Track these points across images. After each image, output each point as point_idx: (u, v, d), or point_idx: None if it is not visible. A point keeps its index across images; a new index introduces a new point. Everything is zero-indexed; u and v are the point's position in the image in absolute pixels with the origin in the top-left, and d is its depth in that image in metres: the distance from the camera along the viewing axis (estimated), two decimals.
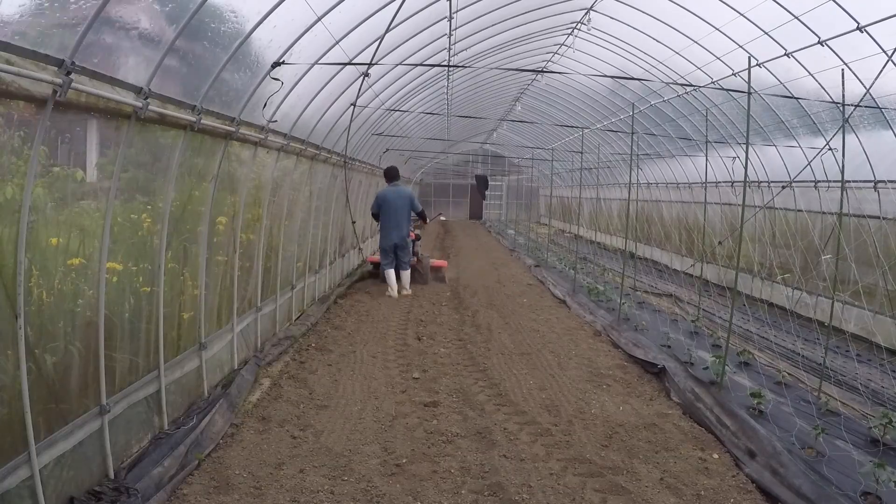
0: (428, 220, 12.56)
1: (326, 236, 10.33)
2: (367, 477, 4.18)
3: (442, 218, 35.63)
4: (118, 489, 3.54)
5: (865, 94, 6.60)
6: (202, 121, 4.52)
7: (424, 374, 6.47)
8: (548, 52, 12.88)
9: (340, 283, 11.60)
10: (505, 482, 4.14)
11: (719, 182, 13.05)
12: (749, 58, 5.96)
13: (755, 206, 10.67)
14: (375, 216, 10.98)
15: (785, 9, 7.22)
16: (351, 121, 9.12)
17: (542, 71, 11.62)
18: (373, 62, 7.38)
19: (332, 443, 4.71)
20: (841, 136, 5.82)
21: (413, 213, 11.02)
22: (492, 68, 11.99)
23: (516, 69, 11.57)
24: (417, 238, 12.13)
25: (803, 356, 7.77)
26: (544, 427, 5.18)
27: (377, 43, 7.20)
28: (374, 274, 12.09)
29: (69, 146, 3.45)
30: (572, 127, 15.99)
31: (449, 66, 10.04)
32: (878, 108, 7.56)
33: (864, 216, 8.84)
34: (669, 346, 7.37)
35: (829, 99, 8.18)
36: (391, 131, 13.61)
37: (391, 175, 11.03)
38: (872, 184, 8.64)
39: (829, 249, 8.72)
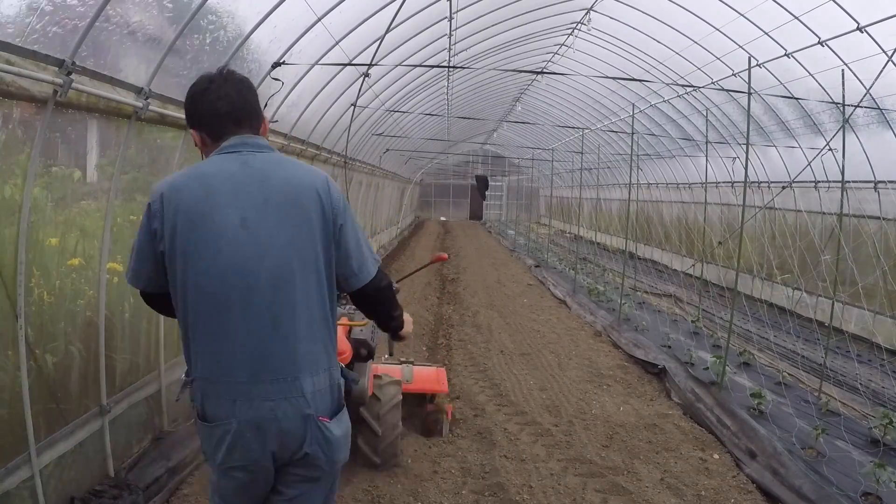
0: (396, 315, 2.30)
1: None
2: (367, 476, 4.17)
3: (443, 218, 35.54)
4: (119, 486, 3.55)
5: (865, 94, 6.60)
6: None
7: None
8: (548, 53, 12.87)
9: None
10: (505, 482, 4.14)
11: (719, 182, 13.04)
12: (749, 58, 5.96)
13: (755, 206, 10.66)
14: (151, 298, 2.12)
15: (785, 9, 7.22)
16: (351, 121, 9.12)
17: (542, 72, 11.62)
18: (373, 62, 7.38)
19: None
20: (841, 136, 5.82)
21: (328, 282, 2.05)
22: (492, 69, 11.99)
23: (516, 70, 11.57)
24: (366, 355, 3.84)
25: (803, 356, 7.77)
26: (545, 427, 5.18)
27: (377, 43, 7.21)
28: None
29: (69, 146, 3.45)
30: (572, 127, 16.00)
31: (449, 66, 10.04)
32: (879, 108, 7.56)
33: (864, 216, 8.84)
34: (670, 347, 7.37)
35: (829, 99, 8.18)
36: (391, 132, 13.61)
37: (218, 110, 2.01)
38: (872, 184, 8.64)
39: (829, 250, 8.71)
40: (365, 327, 3.81)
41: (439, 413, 4.85)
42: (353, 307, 3.65)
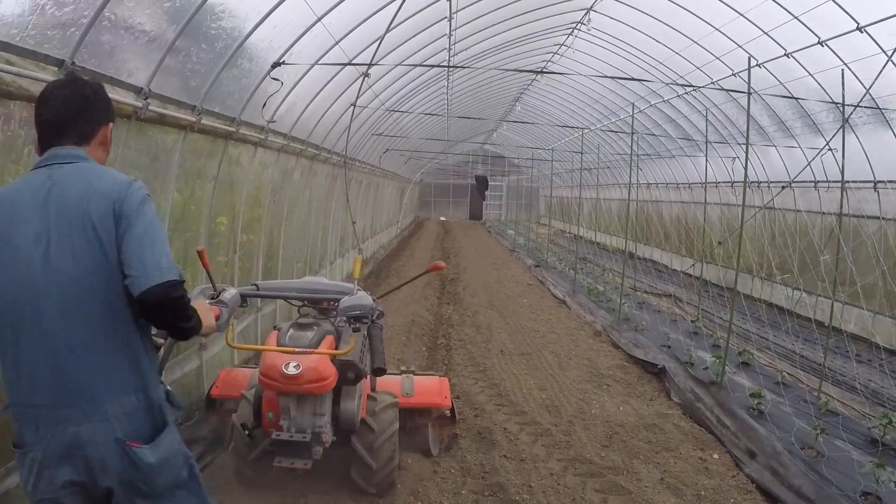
0: (186, 326, 1.96)
1: (326, 236, 10.33)
2: None
3: (443, 218, 35.53)
4: None
5: (865, 94, 6.60)
6: (202, 121, 4.53)
7: None
8: (548, 53, 12.88)
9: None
10: (505, 482, 4.14)
11: (719, 182, 13.05)
12: (749, 58, 5.97)
13: (755, 206, 10.66)
14: None
15: (785, 9, 7.22)
16: (351, 121, 9.11)
17: (542, 72, 11.63)
18: (373, 62, 7.37)
19: None
20: (841, 136, 5.82)
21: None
22: (492, 69, 11.99)
23: (516, 70, 11.57)
24: (354, 378, 3.50)
25: (803, 356, 7.77)
26: (544, 427, 5.18)
27: (377, 43, 7.20)
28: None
29: None
30: (572, 127, 16.00)
31: (449, 66, 10.04)
32: (879, 108, 7.56)
33: (863, 216, 8.84)
34: (669, 347, 7.38)
35: (829, 99, 8.18)
36: (391, 131, 13.61)
37: (42, 117, 1.96)
38: (872, 184, 8.65)
39: (829, 250, 8.71)
40: (353, 349, 3.37)
41: (435, 428, 4.47)
42: (343, 321, 3.41)
